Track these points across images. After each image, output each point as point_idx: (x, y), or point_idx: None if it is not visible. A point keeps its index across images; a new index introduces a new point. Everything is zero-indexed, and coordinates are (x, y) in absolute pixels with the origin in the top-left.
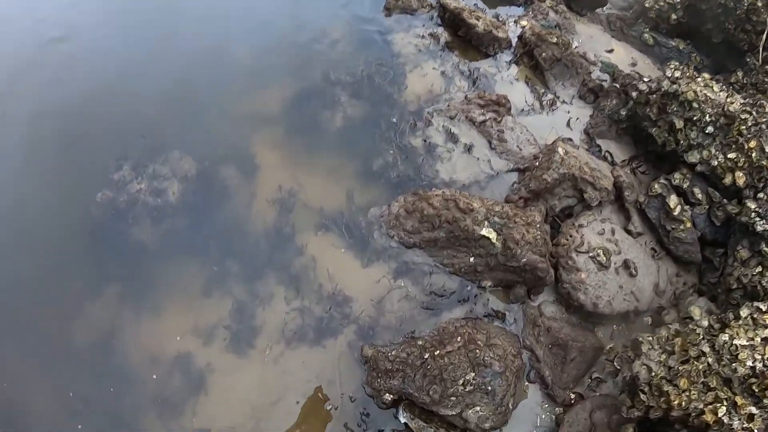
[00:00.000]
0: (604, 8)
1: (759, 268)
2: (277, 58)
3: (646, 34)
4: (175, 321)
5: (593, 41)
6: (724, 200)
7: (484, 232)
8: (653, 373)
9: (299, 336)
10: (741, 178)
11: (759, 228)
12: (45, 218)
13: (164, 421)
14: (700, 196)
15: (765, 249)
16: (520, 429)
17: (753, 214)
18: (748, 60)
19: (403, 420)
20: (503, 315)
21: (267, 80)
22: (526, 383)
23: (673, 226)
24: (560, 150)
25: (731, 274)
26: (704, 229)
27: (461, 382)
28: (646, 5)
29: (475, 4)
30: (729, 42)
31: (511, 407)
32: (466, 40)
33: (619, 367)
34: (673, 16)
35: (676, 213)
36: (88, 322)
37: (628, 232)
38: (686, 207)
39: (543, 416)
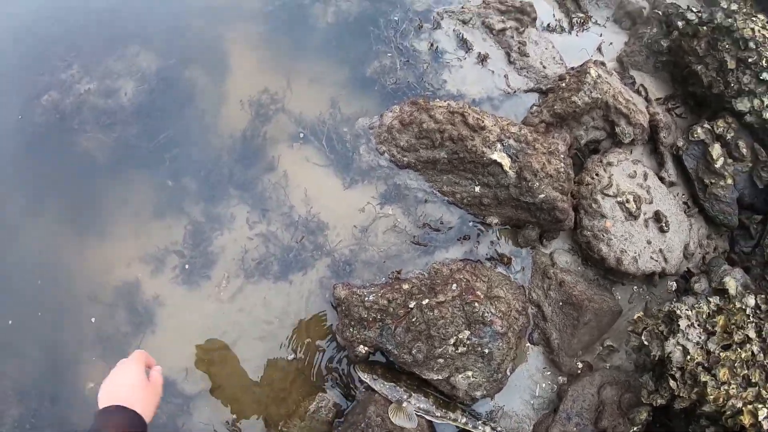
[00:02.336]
0: None
1: None
2: None
3: None
4: (122, 245)
5: None
6: None
7: (496, 156)
8: (689, 357)
9: (262, 268)
10: None
11: None
12: None
13: (107, 360)
14: (744, 151)
15: None
16: (514, 398)
17: None
18: None
19: (365, 379)
20: (509, 260)
21: None
22: (528, 345)
23: (712, 180)
24: (593, 72)
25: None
26: (743, 189)
27: (453, 341)
28: None
29: None
30: None
31: (508, 373)
32: None
33: (647, 343)
34: None
35: (717, 165)
36: (24, 245)
37: (660, 179)
38: (729, 160)
39: (543, 385)
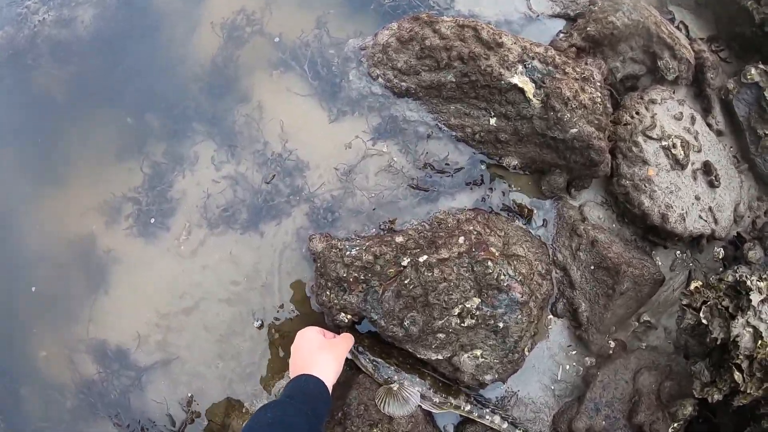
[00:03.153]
0: None
1: None
2: None
3: None
4: (78, 193)
5: None
6: None
7: (517, 80)
8: (761, 342)
9: (228, 217)
10: None
11: None
12: None
13: (56, 327)
14: None
15: None
16: (532, 383)
17: None
18: None
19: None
20: (530, 212)
21: None
22: (550, 317)
23: (767, 131)
24: None
25: None
26: None
27: (458, 311)
28: None
29: None
30: None
31: (527, 352)
32: None
33: (707, 322)
34: None
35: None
36: None
37: (708, 126)
38: None
39: (567, 367)
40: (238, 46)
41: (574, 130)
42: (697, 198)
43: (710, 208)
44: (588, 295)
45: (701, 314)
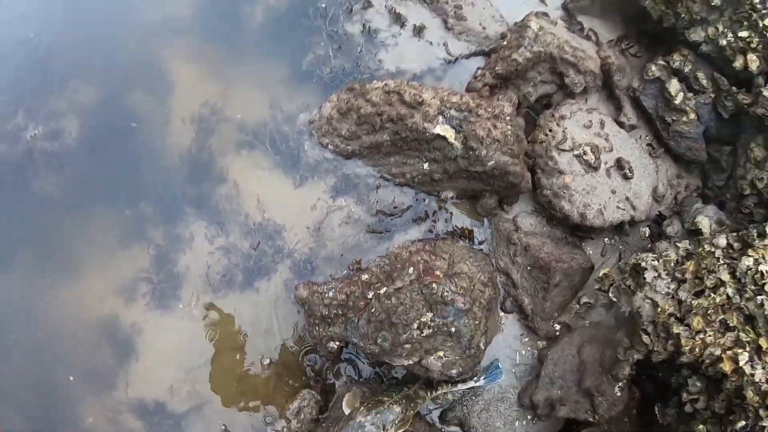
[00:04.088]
0: None
1: None
2: None
3: None
4: (93, 280)
5: None
6: (734, 88)
7: (439, 129)
8: (659, 309)
9: (227, 281)
10: (754, 62)
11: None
12: None
13: (98, 396)
14: (704, 82)
15: None
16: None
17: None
18: None
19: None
20: (470, 232)
21: None
22: (502, 314)
23: (674, 118)
24: (533, 25)
25: (743, 177)
26: (709, 122)
27: (416, 325)
28: None
29: None
30: None
31: (482, 347)
32: None
33: (616, 299)
34: None
35: (677, 101)
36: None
37: (620, 124)
38: (689, 94)
39: (523, 352)
40: (208, 135)
41: (492, 162)
42: (614, 191)
43: (627, 198)
44: (529, 291)
45: (610, 294)
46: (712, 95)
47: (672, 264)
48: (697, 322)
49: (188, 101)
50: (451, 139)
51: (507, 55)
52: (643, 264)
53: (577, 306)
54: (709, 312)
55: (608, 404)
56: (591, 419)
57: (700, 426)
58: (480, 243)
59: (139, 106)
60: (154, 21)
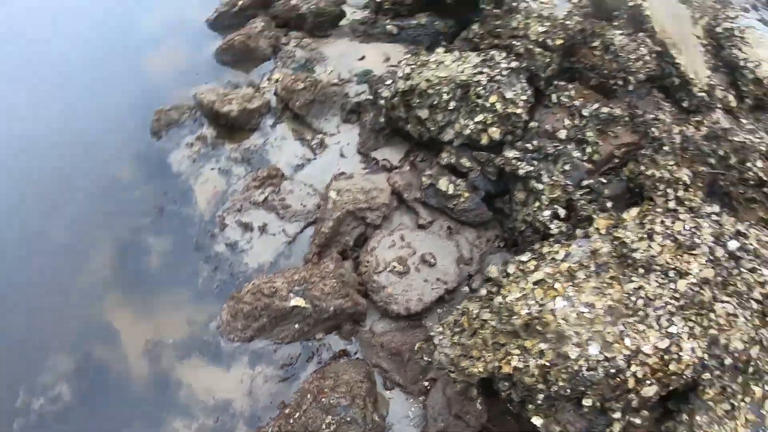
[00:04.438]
0: (346, 18)
1: (536, 204)
2: (75, 231)
3: (389, 26)
4: None
5: (345, 57)
6: (491, 155)
7: (293, 302)
8: (451, 356)
9: None
10: (495, 132)
11: (521, 172)
12: None
13: None
14: (468, 163)
15: (534, 185)
16: (401, 428)
17: (514, 161)
18: (483, 7)
19: None
20: (345, 351)
21: (81, 253)
22: (387, 392)
23: (454, 203)
24: (332, 194)
25: (516, 218)
26: (485, 187)
27: (323, 427)
28: (378, 0)
29: (229, 82)
30: None
31: (378, 419)
32: (229, 125)
33: (428, 360)
34: None
35: (450, 192)
36: None
37: (421, 226)
38: (459, 181)
39: (413, 409)
40: (156, 360)
41: (332, 308)
42: (426, 280)
43: (438, 278)
44: (396, 370)
45: (423, 358)
46: (479, 168)
47: (452, 324)
48: (475, 353)
49: (134, 341)
50: (303, 305)
51: (318, 229)
52: (432, 332)
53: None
54: (480, 343)
55: (476, 417)
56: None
57: None
58: (355, 353)
59: (103, 353)
60: (87, 284)
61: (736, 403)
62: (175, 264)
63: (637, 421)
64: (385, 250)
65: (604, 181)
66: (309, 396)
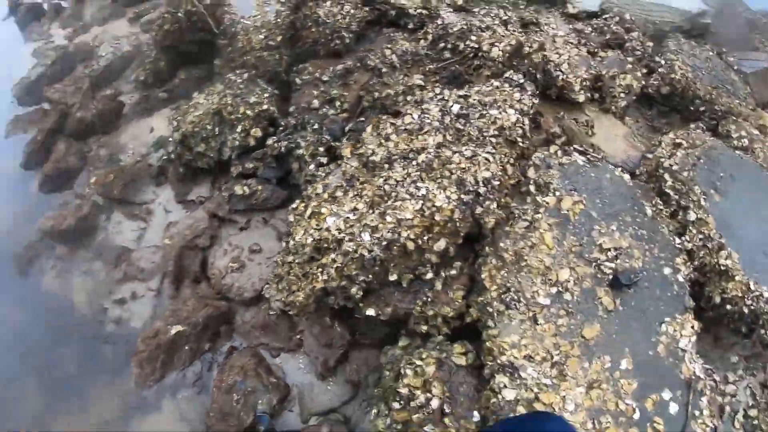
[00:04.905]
0: (126, 107)
1: (306, 165)
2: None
3: (160, 94)
4: None
5: (138, 137)
6: (264, 150)
7: (173, 331)
8: (281, 300)
9: None
10: (257, 132)
11: (283, 150)
12: None
13: None
14: (251, 164)
15: (297, 153)
16: (300, 379)
17: (276, 145)
18: (217, 43)
19: None
20: (233, 347)
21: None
22: (276, 360)
23: (255, 199)
24: (166, 240)
25: (300, 183)
26: (275, 175)
27: (234, 404)
28: (142, 79)
29: (60, 204)
30: (203, 43)
31: (278, 379)
32: (76, 236)
33: (272, 312)
34: (162, 65)
35: (247, 192)
36: None
37: (242, 228)
38: (250, 181)
39: (300, 361)
40: None
41: (201, 319)
42: (259, 264)
43: (267, 258)
44: (273, 338)
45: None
46: (261, 164)
47: (273, 278)
48: (294, 287)
49: None
50: (180, 328)
51: (168, 269)
52: (263, 293)
53: None
54: (289, 277)
55: (341, 337)
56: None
57: None
58: (241, 345)
59: None
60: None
61: (529, 217)
62: (85, 361)
63: (453, 272)
64: (221, 259)
65: (363, 119)
66: (214, 390)
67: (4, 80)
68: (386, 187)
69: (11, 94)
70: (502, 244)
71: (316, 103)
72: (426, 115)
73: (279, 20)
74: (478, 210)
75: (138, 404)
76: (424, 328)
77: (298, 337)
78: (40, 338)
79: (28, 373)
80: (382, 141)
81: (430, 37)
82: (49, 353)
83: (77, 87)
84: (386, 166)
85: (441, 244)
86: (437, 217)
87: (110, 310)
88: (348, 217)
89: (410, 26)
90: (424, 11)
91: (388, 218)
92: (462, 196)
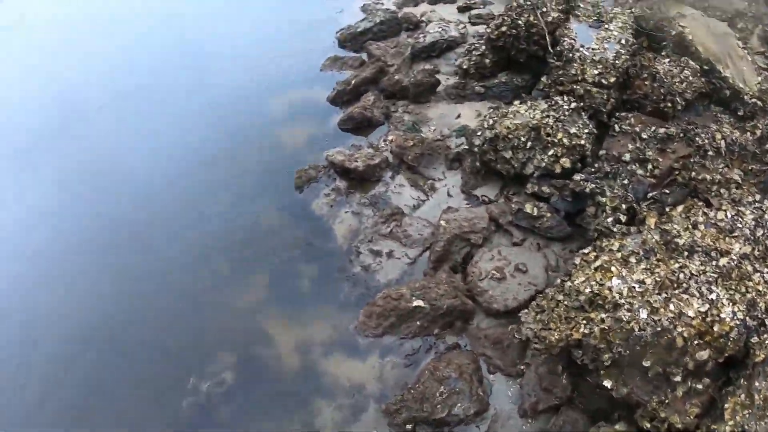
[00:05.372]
0: (441, 86)
1: (603, 215)
2: (234, 261)
3: (476, 87)
4: None
5: (444, 117)
6: (566, 181)
7: (415, 303)
8: (534, 330)
9: None
10: (566, 162)
11: (587, 190)
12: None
13: None
14: (548, 190)
15: (599, 199)
16: (501, 404)
17: (582, 183)
18: (550, 62)
19: None
20: (457, 344)
21: (241, 278)
22: (491, 376)
23: (540, 223)
24: (442, 222)
25: (590, 229)
26: (566, 208)
27: (437, 395)
28: (465, 67)
29: (352, 145)
30: (532, 56)
31: (483, 394)
32: (357, 178)
33: (518, 336)
34: (487, 62)
35: (535, 214)
36: None
37: (515, 243)
38: (542, 204)
39: (511, 389)
40: (313, 360)
41: (445, 306)
42: (519, 284)
43: (529, 282)
44: (498, 357)
45: (515, 335)
46: (557, 192)
47: (536, 306)
48: (553, 326)
49: (287, 342)
50: (422, 305)
51: (433, 248)
52: (520, 315)
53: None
54: (556, 318)
55: (562, 389)
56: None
57: None
58: (465, 346)
59: (265, 356)
60: (248, 303)
61: None
62: (321, 284)
63: (699, 386)
64: (486, 262)
65: (668, 191)
66: (426, 372)
67: (330, 22)
68: (680, 275)
69: (335, 35)
70: (757, 384)
71: (627, 156)
72: (739, 219)
73: (617, 62)
74: (754, 339)
75: (346, 344)
76: (647, 424)
77: (522, 367)
78: (288, 247)
79: (265, 270)
80: (690, 227)
81: (758, 132)
82: (293, 263)
83: (398, 51)
84: (686, 253)
85: (704, 355)
86: (716, 328)
87: (363, 256)
88: (633, 287)
89: (740, 113)
90: (759, 102)
91: (671, 306)
92: (747, 318)
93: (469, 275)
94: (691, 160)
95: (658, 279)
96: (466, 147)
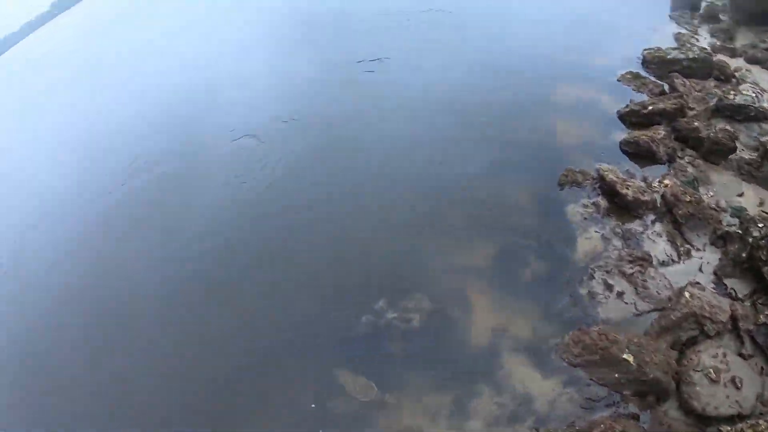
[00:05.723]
0: (736, 154)
1: None
2: (471, 220)
3: None
4: (409, 410)
5: (725, 188)
6: None
7: (625, 356)
8: None
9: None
10: None
11: None
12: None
13: None
14: None
15: None
16: None
17: None
18: None
19: None
20: (638, 416)
21: (470, 239)
22: None
23: None
24: (687, 294)
25: None
26: None
27: None
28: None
29: (627, 170)
30: None
31: None
32: (621, 205)
33: None
34: None
35: None
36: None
37: (741, 354)
38: None
39: None
40: (495, 342)
41: (651, 375)
42: (727, 396)
43: (737, 401)
44: None
45: None
46: None
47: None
48: None
49: (484, 319)
50: (631, 361)
51: (667, 315)
52: (721, 428)
53: None
54: None
55: None
56: None
57: None
58: (643, 423)
59: (455, 317)
60: (461, 265)
61: None
62: (542, 285)
63: None
64: (708, 357)
65: None
66: (601, 426)
67: (640, 35)
68: None
69: (641, 51)
70: None
71: None
72: None
73: None
74: None
75: (538, 353)
76: None
77: None
78: (527, 234)
79: (496, 241)
80: None
81: None
82: (526, 251)
83: (702, 97)
84: None
85: None
86: None
87: (594, 282)
88: None
89: None
90: None
91: None
92: None
93: (687, 359)
94: None
95: None
96: (739, 231)
